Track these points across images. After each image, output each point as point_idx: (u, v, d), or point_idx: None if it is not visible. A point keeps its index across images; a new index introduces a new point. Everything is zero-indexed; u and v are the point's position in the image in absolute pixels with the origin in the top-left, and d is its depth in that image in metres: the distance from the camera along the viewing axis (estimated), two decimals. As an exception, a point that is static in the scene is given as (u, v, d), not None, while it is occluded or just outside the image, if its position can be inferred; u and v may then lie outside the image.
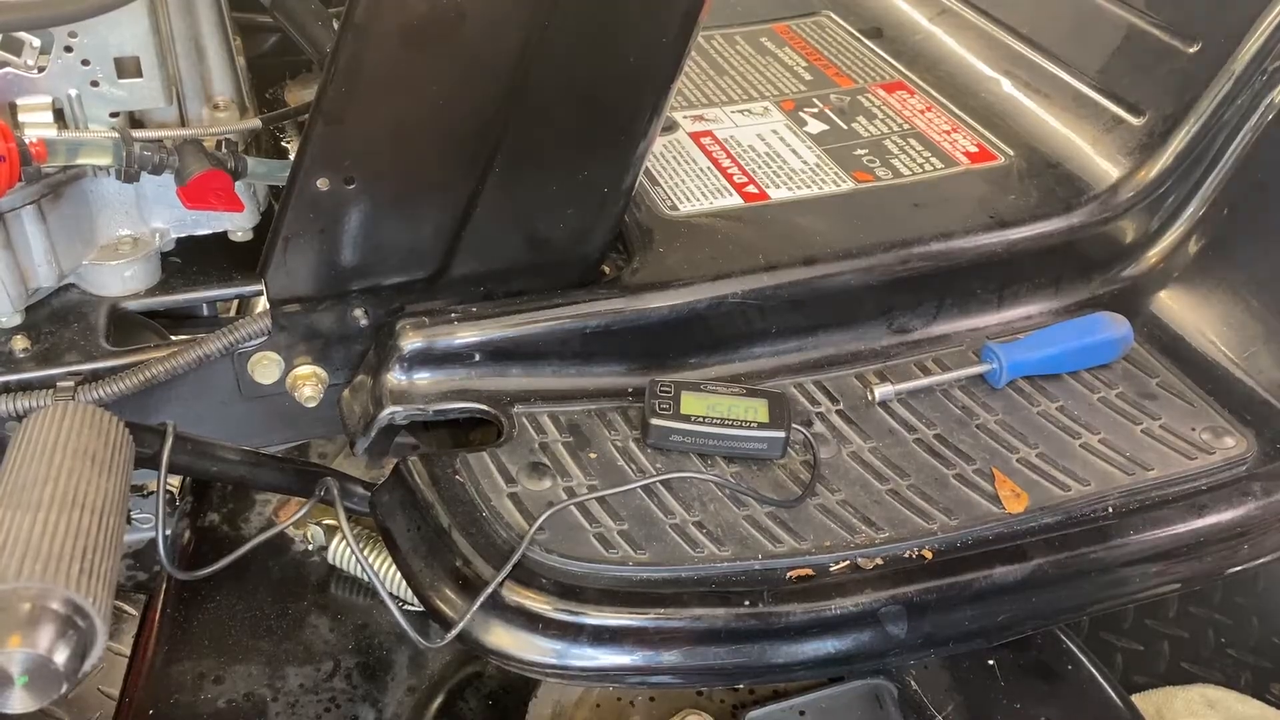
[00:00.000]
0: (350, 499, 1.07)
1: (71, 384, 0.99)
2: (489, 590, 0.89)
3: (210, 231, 1.11)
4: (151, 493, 0.95)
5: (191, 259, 1.12)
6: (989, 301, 1.23)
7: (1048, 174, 1.30)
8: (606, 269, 1.14)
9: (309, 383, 1.08)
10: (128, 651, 1.22)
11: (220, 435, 1.05)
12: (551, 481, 0.99)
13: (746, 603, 0.92)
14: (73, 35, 0.94)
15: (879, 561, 0.96)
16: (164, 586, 1.26)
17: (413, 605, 1.13)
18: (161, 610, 1.23)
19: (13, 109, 0.95)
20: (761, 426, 1.02)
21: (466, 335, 1.06)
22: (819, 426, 1.09)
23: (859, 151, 1.34)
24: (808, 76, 1.52)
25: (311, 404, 1.08)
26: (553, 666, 0.90)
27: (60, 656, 0.73)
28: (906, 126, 1.40)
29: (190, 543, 1.31)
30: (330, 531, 1.30)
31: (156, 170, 0.98)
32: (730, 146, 1.35)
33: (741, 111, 1.44)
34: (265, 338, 1.05)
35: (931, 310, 1.20)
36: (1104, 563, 1.00)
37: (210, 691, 1.16)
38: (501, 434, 1.04)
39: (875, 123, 1.41)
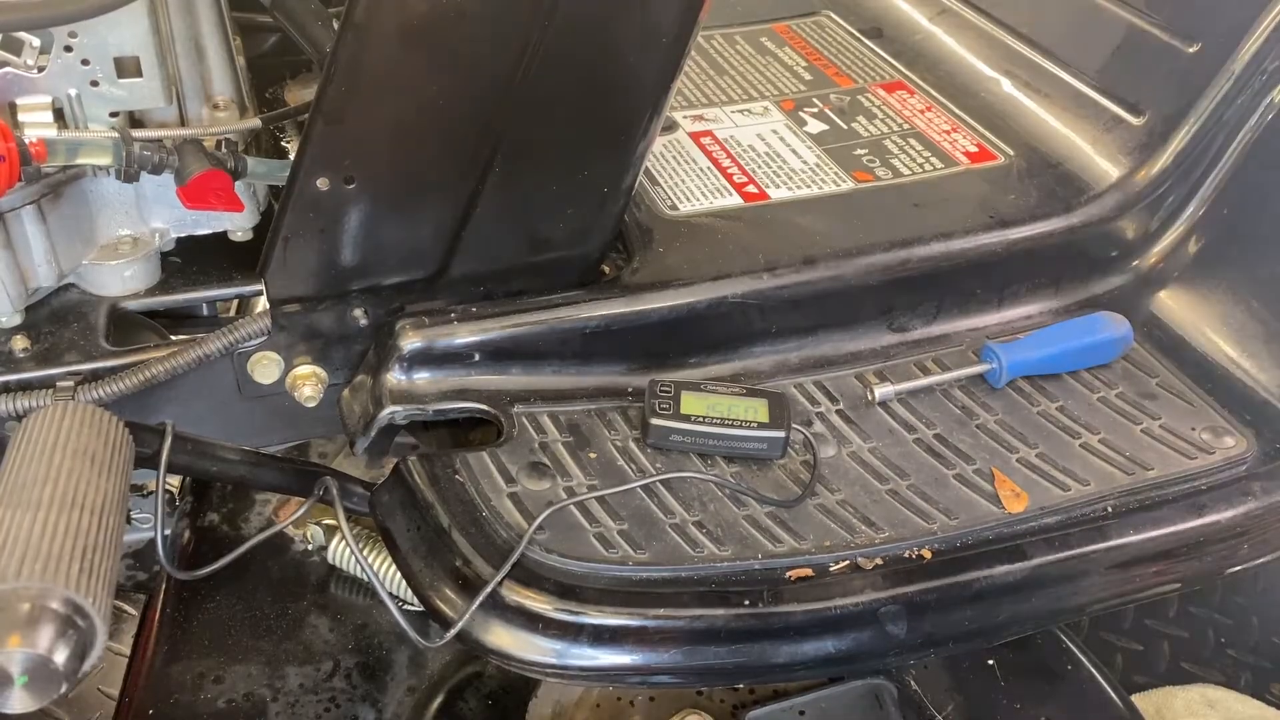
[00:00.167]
0: (350, 499, 1.07)
1: (71, 384, 0.99)
2: (488, 589, 0.89)
3: (210, 231, 1.11)
4: (151, 493, 0.95)
5: (191, 259, 1.12)
6: (989, 301, 1.23)
7: (1048, 174, 1.30)
8: (606, 269, 1.14)
9: (309, 382, 1.08)
10: (127, 651, 1.22)
11: (220, 435, 1.05)
12: (551, 481, 0.99)
13: (746, 602, 0.92)
14: (72, 35, 0.94)
15: (879, 561, 0.96)
16: (164, 586, 1.26)
17: (412, 605, 1.13)
18: (161, 610, 1.23)
19: (12, 109, 0.95)
20: (761, 426, 1.02)
21: (466, 335, 1.06)
22: (819, 426, 1.09)
23: (859, 151, 1.34)
24: (808, 76, 1.52)
25: (311, 404, 1.08)
26: (553, 666, 0.90)
27: (60, 656, 0.73)
28: (906, 126, 1.40)
29: (190, 543, 1.31)
30: (330, 531, 1.30)
31: (156, 170, 0.98)
32: (730, 146, 1.35)
33: (741, 111, 1.44)
34: (265, 337, 1.05)
35: (931, 310, 1.20)
36: (1104, 562, 1.00)
37: (210, 691, 1.16)
38: (501, 434, 1.04)
39: (875, 122, 1.41)
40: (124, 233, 1.08)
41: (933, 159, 1.33)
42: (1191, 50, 1.26)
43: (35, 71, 0.95)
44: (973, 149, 1.35)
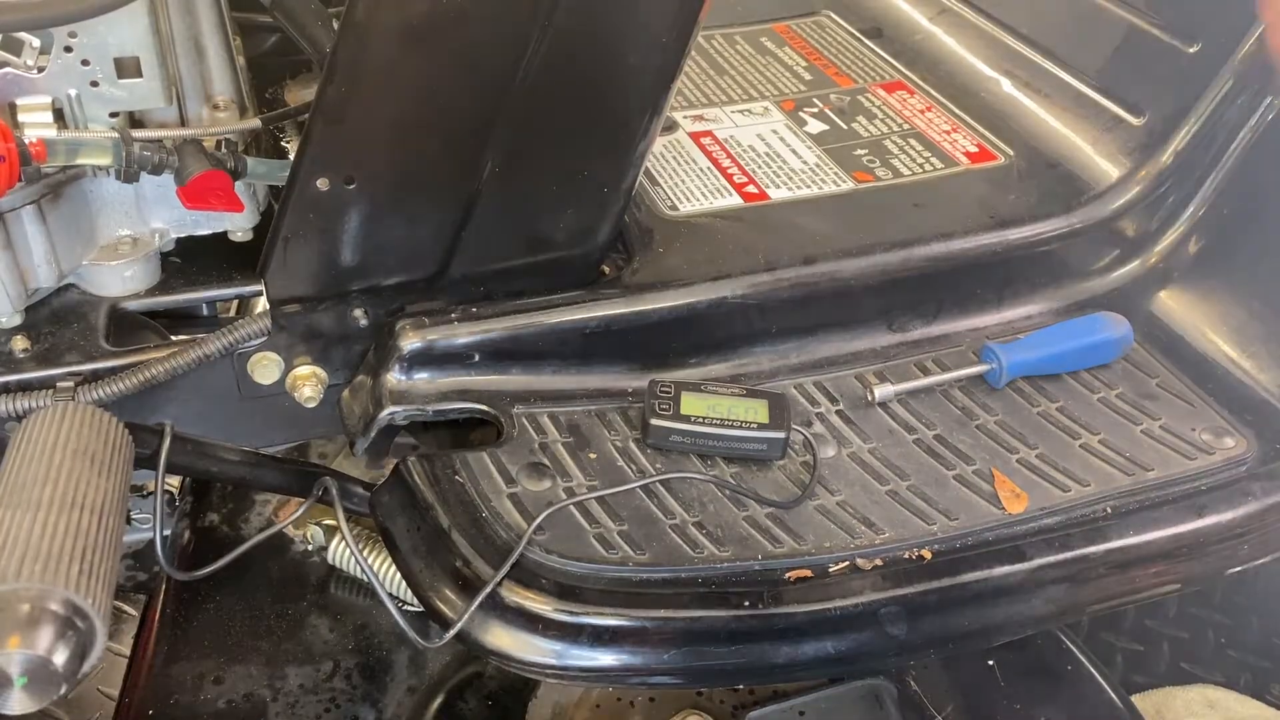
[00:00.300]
0: (350, 499, 1.07)
1: (71, 384, 0.99)
2: (487, 589, 0.89)
3: (210, 232, 1.11)
4: (151, 493, 0.95)
5: (191, 259, 1.12)
6: (989, 301, 1.23)
7: (1048, 174, 1.30)
8: (606, 269, 1.14)
9: (309, 383, 1.08)
10: (127, 652, 1.22)
11: (220, 436, 1.05)
12: (551, 482, 0.99)
13: (746, 603, 0.92)
14: (72, 35, 0.94)
15: (879, 562, 0.96)
16: (164, 587, 1.26)
17: (412, 605, 1.13)
18: (161, 611, 1.23)
19: (12, 109, 0.95)
20: (761, 427, 1.02)
21: (466, 335, 1.06)
22: (819, 427, 1.09)
23: (859, 151, 1.34)
24: (808, 76, 1.52)
25: (311, 404, 1.08)
26: (552, 667, 0.90)
27: (59, 657, 0.73)
28: (906, 126, 1.40)
29: (190, 543, 1.31)
30: (330, 532, 1.30)
31: (156, 170, 0.98)
32: (730, 146, 1.35)
33: (741, 111, 1.44)
34: (265, 338, 1.05)
35: (931, 310, 1.20)
36: (1104, 563, 1.00)
37: (210, 692, 1.16)
38: (501, 434, 1.04)
39: (875, 123, 1.41)
40: (124, 233, 1.08)
41: (933, 159, 1.33)
42: (1192, 50, 1.26)
43: (35, 72, 0.95)
44: (973, 149, 1.35)
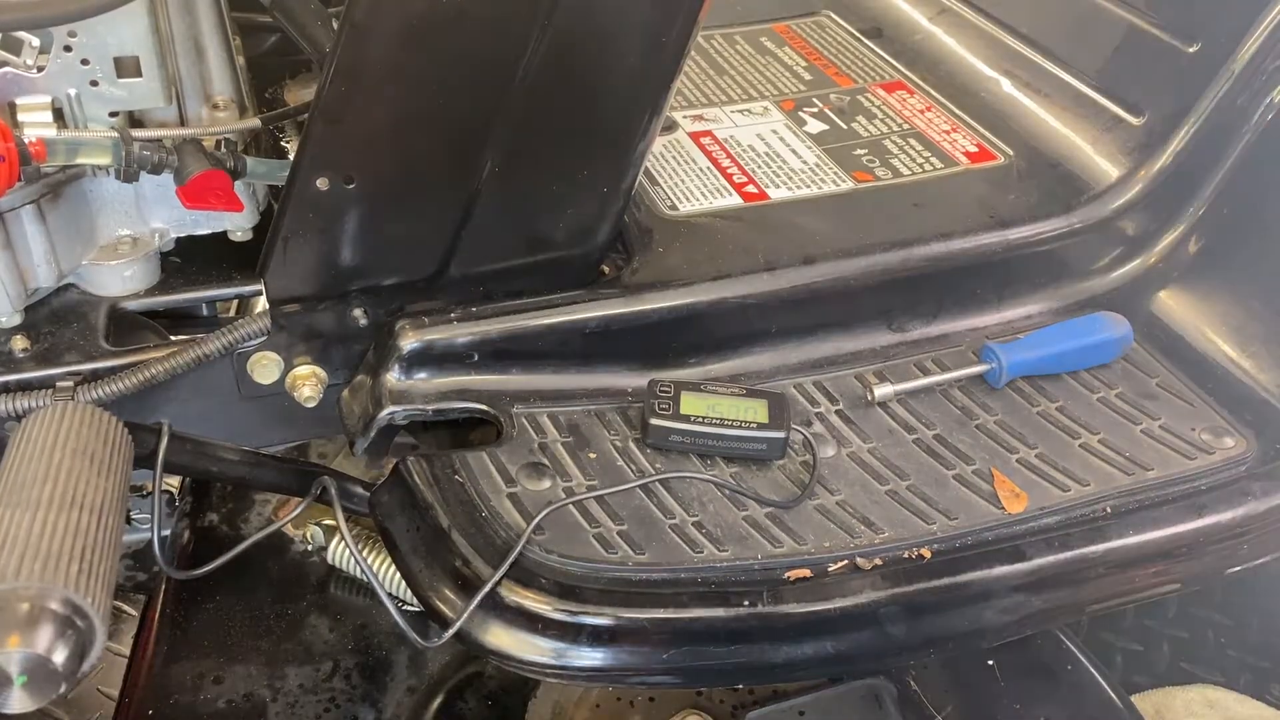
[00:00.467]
0: (349, 499, 1.07)
1: (71, 384, 0.99)
2: (486, 589, 0.89)
3: (210, 231, 1.11)
4: (150, 493, 0.95)
5: (191, 259, 1.12)
6: (988, 301, 1.23)
7: (1047, 174, 1.30)
8: (606, 269, 1.14)
9: (308, 383, 1.08)
10: (127, 651, 1.22)
11: (219, 435, 1.05)
12: (551, 481, 0.99)
13: (746, 603, 0.91)
14: (72, 35, 0.94)
15: (878, 562, 0.96)
16: (163, 587, 1.26)
17: (412, 605, 1.13)
18: (161, 610, 1.23)
19: (12, 108, 0.95)
20: (761, 427, 1.02)
21: (466, 335, 1.06)
22: (818, 427, 1.09)
23: (859, 151, 1.34)
24: (807, 76, 1.52)
25: (311, 404, 1.08)
26: (552, 666, 0.90)
27: (59, 656, 0.73)
28: (906, 126, 1.40)
29: (190, 543, 1.31)
30: (330, 532, 1.30)
31: (156, 170, 0.98)
32: (730, 146, 1.35)
33: (741, 111, 1.44)
34: (265, 338, 1.05)
35: (931, 310, 1.20)
36: (1103, 563, 1.00)
37: (210, 691, 1.16)
38: (501, 434, 1.04)
39: (875, 122, 1.41)
40: (124, 233, 1.08)
41: (932, 159, 1.33)
42: (1191, 50, 1.26)
43: (35, 71, 0.95)
44: (972, 149, 1.35)
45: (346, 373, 1.10)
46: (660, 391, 1.04)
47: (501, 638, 0.90)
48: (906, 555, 0.97)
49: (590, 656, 0.90)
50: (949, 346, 1.19)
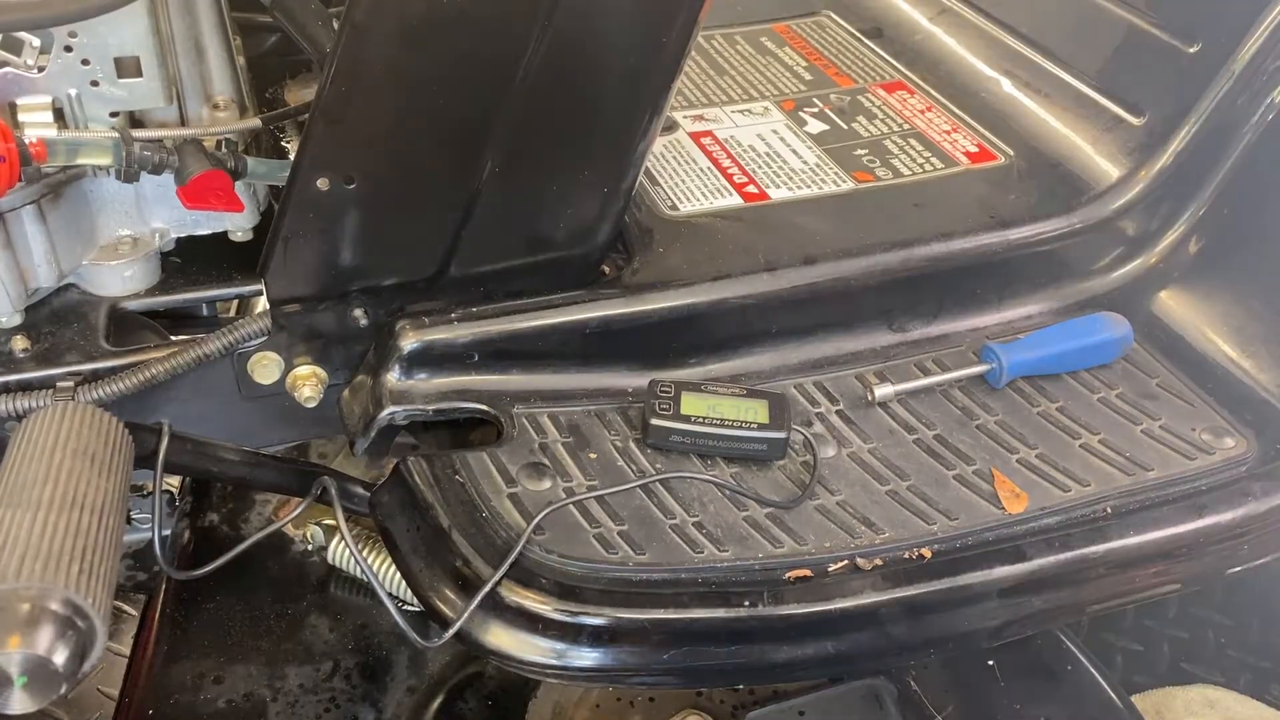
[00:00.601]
0: (349, 499, 1.07)
1: (71, 384, 0.99)
2: (486, 589, 0.89)
3: (210, 232, 1.11)
4: (151, 493, 0.95)
5: (191, 259, 1.12)
6: (989, 301, 1.23)
7: (1048, 174, 1.30)
8: (606, 269, 1.14)
9: (308, 383, 1.08)
10: (127, 651, 1.22)
11: (220, 436, 1.05)
12: (551, 482, 0.99)
13: (746, 603, 0.91)
14: (72, 35, 0.94)
15: (879, 562, 0.96)
16: (164, 586, 1.26)
17: (412, 605, 1.13)
18: (161, 610, 1.23)
19: (13, 109, 0.95)
20: (761, 427, 1.02)
21: (466, 335, 1.06)
22: (819, 427, 1.09)
23: (859, 151, 1.34)
24: (808, 76, 1.52)
25: (311, 404, 1.08)
26: (552, 667, 0.90)
27: (59, 657, 0.73)
28: (906, 126, 1.40)
29: (190, 543, 1.31)
30: (330, 532, 1.30)
31: (156, 170, 0.98)
32: (730, 146, 1.35)
33: (742, 111, 1.44)
34: (265, 338, 1.05)
35: (931, 310, 1.20)
36: (1104, 563, 1.00)
37: (210, 691, 1.16)
38: (501, 434, 1.04)
39: (875, 123, 1.41)
40: (124, 233, 1.08)
41: (933, 159, 1.33)
42: (1192, 50, 1.26)
43: (35, 71, 0.95)
44: (973, 149, 1.35)
45: (347, 373, 1.10)
46: (661, 392, 1.04)
47: (502, 638, 0.90)
48: (907, 555, 0.97)
49: (590, 657, 0.90)
50: (949, 347, 1.19)
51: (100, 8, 0.88)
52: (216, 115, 1.07)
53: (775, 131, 1.39)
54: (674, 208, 1.23)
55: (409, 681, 1.19)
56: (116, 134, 0.97)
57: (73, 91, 0.97)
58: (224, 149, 1.03)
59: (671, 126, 1.39)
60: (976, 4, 1.54)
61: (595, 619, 0.89)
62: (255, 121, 1.09)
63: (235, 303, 1.24)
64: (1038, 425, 1.10)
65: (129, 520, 1.27)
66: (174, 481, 1.38)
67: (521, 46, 0.93)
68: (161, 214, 1.08)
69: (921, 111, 1.43)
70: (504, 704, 1.18)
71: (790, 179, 1.29)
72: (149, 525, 1.22)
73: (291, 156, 1.03)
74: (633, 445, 1.04)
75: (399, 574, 0.97)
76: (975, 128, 1.39)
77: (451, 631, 0.89)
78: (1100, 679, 1.15)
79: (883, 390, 1.11)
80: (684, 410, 1.03)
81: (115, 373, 1.00)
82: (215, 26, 1.04)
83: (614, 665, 0.91)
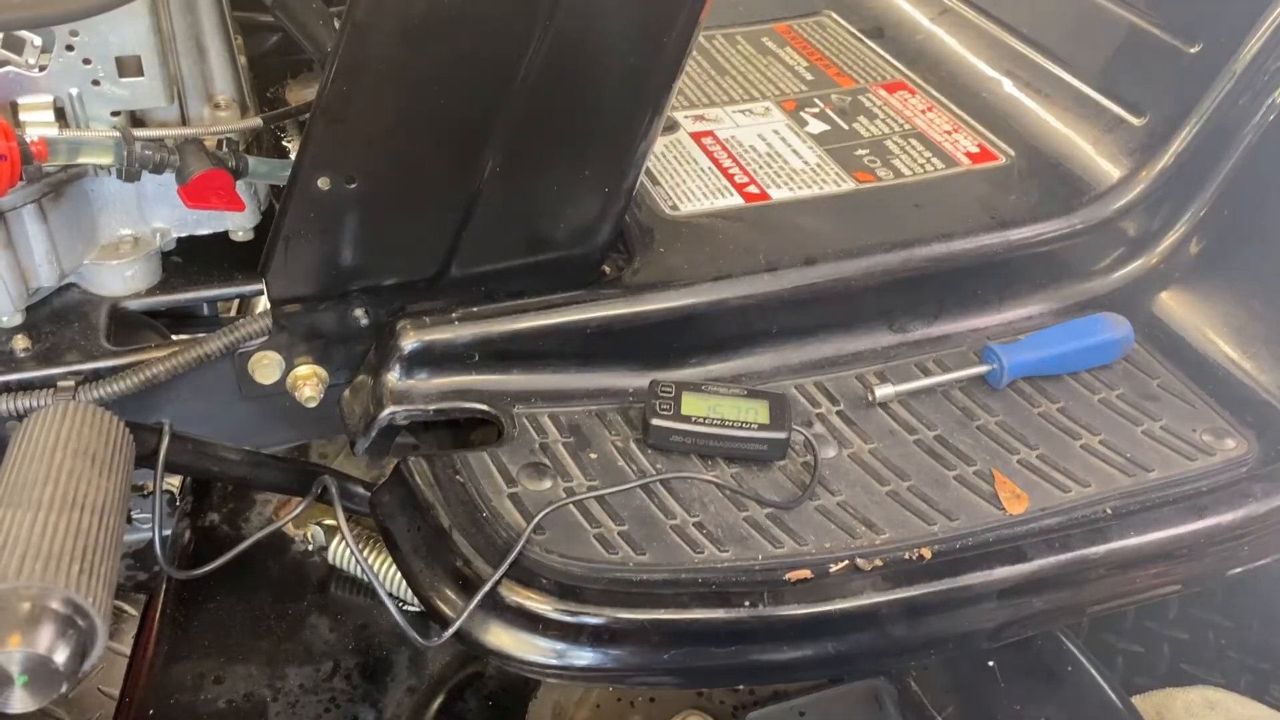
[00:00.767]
0: (350, 499, 1.07)
1: (72, 383, 0.99)
2: (486, 588, 0.89)
3: (211, 231, 1.11)
4: (151, 492, 0.95)
5: (192, 259, 1.13)
6: (990, 302, 1.22)
7: (1049, 174, 1.30)
8: (607, 269, 1.14)
9: (309, 383, 1.08)
10: (128, 651, 1.22)
11: (220, 435, 1.05)
12: (552, 482, 0.99)
13: (747, 603, 0.91)
14: (74, 34, 0.94)
15: (879, 563, 0.96)
16: (164, 586, 1.26)
17: (413, 605, 1.13)
18: (162, 610, 1.23)
19: (14, 108, 0.95)
20: (762, 428, 1.02)
21: (467, 335, 1.06)
22: (819, 427, 1.09)
23: (860, 151, 1.34)
24: (809, 76, 1.52)
25: (312, 404, 1.08)
26: (552, 667, 0.90)
27: (60, 656, 0.73)
28: (907, 126, 1.40)
29: (191, 543, 1.31)
30: (330, 532, 1.30)
31: (158, 169, 0.98)
32: (731, 146, 1.35)
33: (743, 111, 1.44)
34: (266, 337, 1.05)
35: (932, 311, 1.20)
36: (1104, 564, 0.99)
37: (210, 691, 1.16)
38: (502, 434, 1.04)
39: (876, 123, 1.41)
40: (125, 232, 1.08)
41: (934, 159, 1.33)
42: (1193, 51, 1.26)
43: (37, 70, 0.95)
44: (974, 149, 1.35)
45: (347, 373, 1.10)
46: (661, 392, 1.04)
47: (502, 638, 0.90)
48: (907, 556, 0.97)
49: (590, 657, 0.90)
50: (950, 347, 1.19)
51: (101, 6, 0.88)
52: (218, 114, 1.07)
53: (776, 131, 1.39)
54: (675, 208, 1.23)
55: (409, 681, 1.19)
56: (118, 133, 0.97)
57: (74, 90, 0.97)
58: (225, 148, 1.04)
59: (672, 126, 1.39)
60: (978, 4, 1.54)
61: (595, 619, 0.89)
62: (256, 121, 1.09)
63: (236, 302, 1.24)
64: (1038, 426, 1.10)
65: (129, 520, 1.27)
66: (174, 481, 1.38)
67: (523, 46, 0.93)
68: (163, 213, 1.08)
69: (922, 112, 1.43)
70: (504, 704, 1.18)
71: (791, 179, 1.29)
72: (149, 525, 1.22)
73: (292, 156, 1.03)
74: (633, 445, 1.04)
75: (399, 574, 0.97)
76: (976, 128, 1.39)
77: (451, 631, 0.89)
78: (1100, 680, 1.15)
79: (883, 391, 1.11)
80: (684, 410, 1.03)
81: (116, 372, 1.00)
82: (217, 26, 1.04)
83: (614, 665, 0.91)
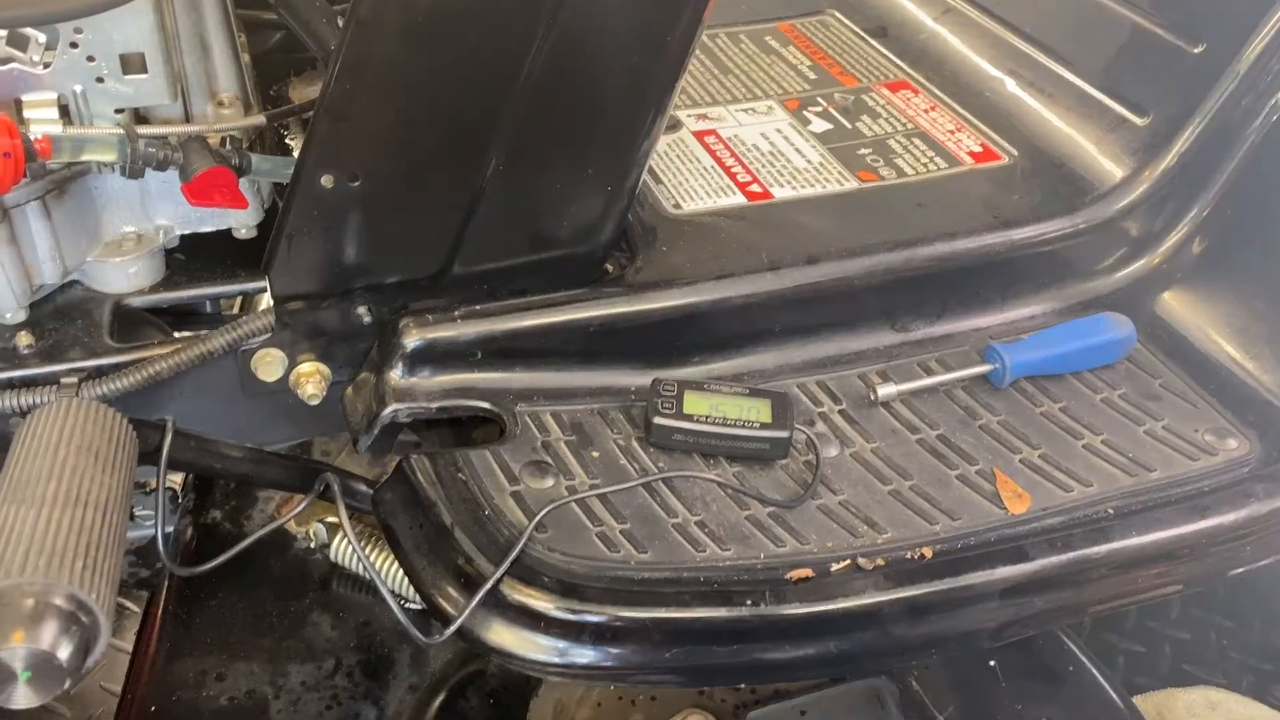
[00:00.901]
0: (352, 496, 1.07)
1: (75, 380, 0.99)
2: (487, 586, 0.89)
3: (214, 229, 1.11)
4: (154, 489, 0.95)
5: (195, 256, 1.13)
6: (992, 301, 1.22)
7: (1051, 174, 1.30)
8: (610, 267, 1.14)
9: (312, 380, 1.08)
10: (130, 647, 1.23)
11: (223, 432, 1.05)
12: (554, 480, 0.99)
13: (748, 602, 0.91)
14: (78, 31, 0.94)
15: (880, 562, 0.96)
16: (167, 583, 1.26)
17: (414, 603, 1.13)
18: (164, 607, 1.23)
19: (18, 105, 0.95)
20: (764, 426, 1.02)
21: (469, 333, 1.06)
22: (821, 426, 1.09)
23: (863, 151, 1.34)
24: (812, 75, 1.52)
25: (314, 402, 1.08)
26: (554, 665, 0.90)
27: (63, 652, 0.73)
28: (910, 126, 1.40)
29: (193, 539, 1.32)
30: (332, 529, 1.30)
31: (161, 167, 0.98)
32: (734, 145, 1.35)
33: (745, 110, 1.44)
34: (268, 335, 1.05)
35: (935, 310, 1.20)
36: (1106, 564, 0.99)
37: (212, 688, 1.16)
38: (504, 432, 1.04)
39: (879, 122, 1.41)
40: (128, 229, 1.08)
41: (937, 159, 1.33)
42: (1196, 51, 1.26)
43: (41, 68, 0.95)
44: (977, 149, 1.35)
45: (350, 370, 1.10)
46: (664, 390, 1.04)
47: (503, 635, 0.90)
48: (909, 555, 0.97)
49: (592, 655, 0.90)
50: (952, 346, 1.19)
51: (106, 4, 0.88)
52: (221, 112, 1.07)
53: (779, 130, 1.39)
54: (677, 206, 1.23)
55: (411, 679, 1.19)
56: (121, 130, 0.97)
57: (78, 88, 0.97)
58: (228, 146, 1.04)
59: (675, 125, 1.39)
60: (981, 3, 1.53)
61: (597, 617, 0.89)
62: (260, 118, 1.09)
63: (239, 300, 1.24)
64: (1040, 425, 1.10)
65: (132, 516, 1.28)
66: (177, 478, 1.38)
67: (526, 44, 0.93)
68: (166, 211, 1.08)
69: (925, 111, 1.43)
70: (506, 702, 1.18)
71: (794, 178, 1.29)
72: (152, 522, 1.22)
73: (296, 154, 1.03)
74: (635, 444, 1.04)
75: (401, 571, 0.97)
76: (979, 127, 1.39)
77: (453, 629, 0.89)
78: (1102, 680, 1.15)
79: (886, 390, 1.11)
80: (687, 409, 1.03)
81: (119, 369, 1.00)
82: (220, 23, 1.04)
83: (615, 664, 0.91)
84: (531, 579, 0.90)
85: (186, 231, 1.10)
